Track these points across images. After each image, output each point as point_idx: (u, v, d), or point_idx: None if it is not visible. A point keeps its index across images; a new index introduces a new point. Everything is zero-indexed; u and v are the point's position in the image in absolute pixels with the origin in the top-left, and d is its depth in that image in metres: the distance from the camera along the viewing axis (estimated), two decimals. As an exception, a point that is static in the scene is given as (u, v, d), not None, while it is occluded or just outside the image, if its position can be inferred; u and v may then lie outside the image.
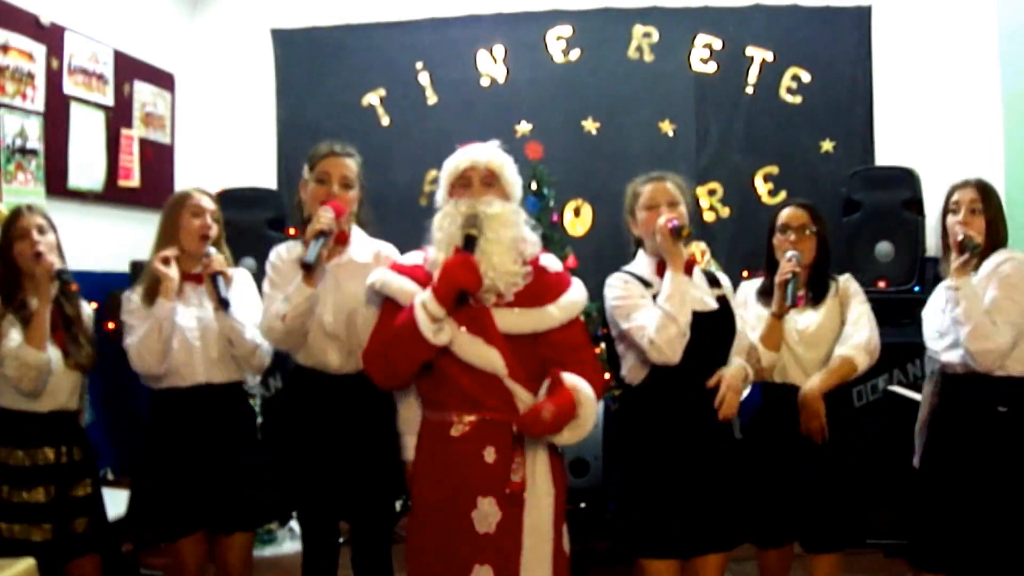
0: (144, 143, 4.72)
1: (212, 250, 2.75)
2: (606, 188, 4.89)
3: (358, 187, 2.65)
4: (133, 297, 2.77)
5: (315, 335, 2.57)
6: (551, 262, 2.41)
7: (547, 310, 2.30)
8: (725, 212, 4.95)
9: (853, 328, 2.72)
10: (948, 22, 4.77)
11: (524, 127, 5.01)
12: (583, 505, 3.56)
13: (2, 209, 3.55)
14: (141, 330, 2.66)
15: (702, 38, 4.96)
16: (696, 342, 2.41)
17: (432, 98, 5.13)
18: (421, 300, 2.19)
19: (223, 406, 2.76)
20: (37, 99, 3.91)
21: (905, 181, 4.46)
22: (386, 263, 2.58)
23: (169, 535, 2.74)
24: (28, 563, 2.54)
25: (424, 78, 5.13)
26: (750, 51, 4.94)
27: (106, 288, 3.56)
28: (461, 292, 2.17)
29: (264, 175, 5.16)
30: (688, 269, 2.48)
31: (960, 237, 2.69)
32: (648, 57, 5.01)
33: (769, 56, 4.93)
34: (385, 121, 5.16)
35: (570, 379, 2.22)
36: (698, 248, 4.85)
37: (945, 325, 2.71)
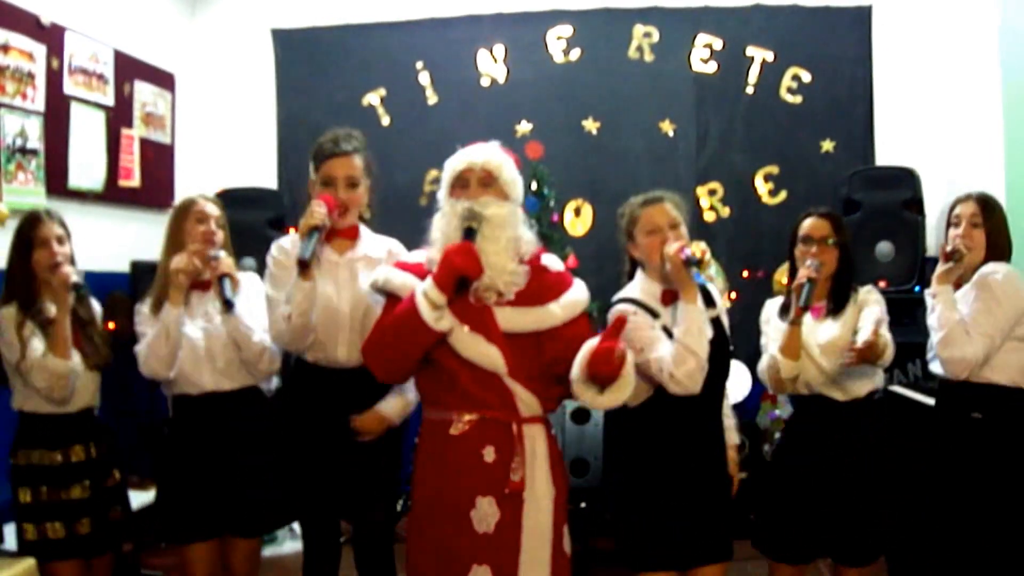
0: (144, 143, 4.72)
1: (221, 253, 2.76)
2: (606, 188, 4.90)
3: (365, 181, 2.64)
4: (143, 309, 2.80)
5: (326, 328, 2.56)
6: (552, 262, 2.42)
7: (548, 308, 2.30)
8: (725, 212, 4.95)
9: (864, 324, 2.63)
10: (948, 22, 4.77)
11: (524, 127, 5.01)
12: (583, 505, 3.56)
13: (2, 209, 3.56)
14: (149, 335, 2.70)
15: (702, 38, 4.96)
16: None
17: (432, 98, 5.13)
18: (422, 288, 2.20)
19: (235, 412, 2.76)
20: (37, 99, 3.90)
21: (905, 181, 4.47)
22: (397, 260, 2.61)
23: (182, 537, 2.76)
24: (28, 563, 2.56)
25: (424, 78, 5.13)
26: (750, 51, 4.94)
27: (106, 288, 3.56)
28: (461, 279, 2.17)
29: (264, 175, 5.16)
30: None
31: (949, 248, 2.72)
32: (648, 57, 5.01)
33: (769, 56, 4.93)
34: (385, 121, 5.16)
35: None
36: (698, 247, 4.84)
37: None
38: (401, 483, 2.71)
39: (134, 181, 4.61)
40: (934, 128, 4.81)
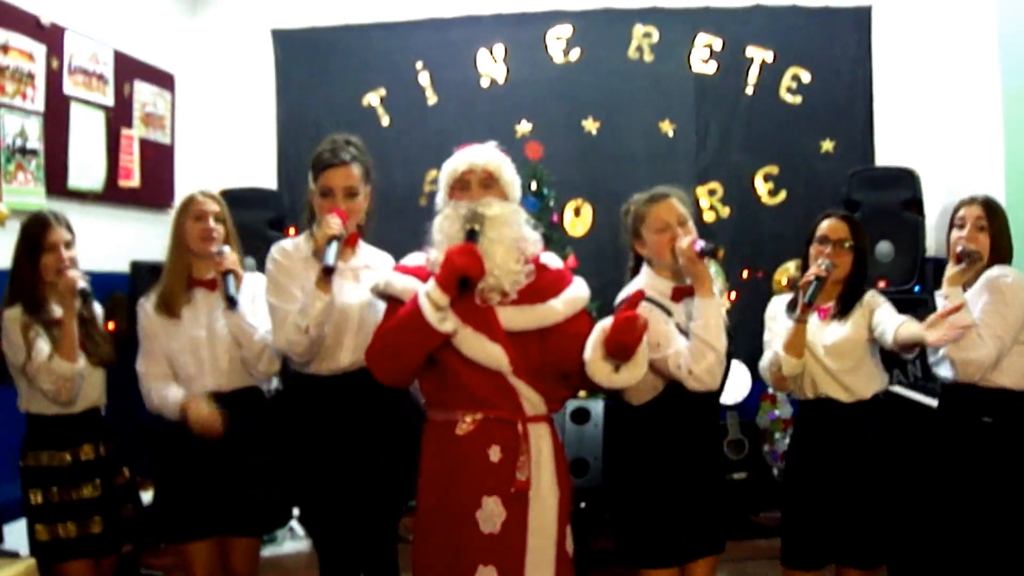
0: (144, 143, 4.72)
1: (225, 248, 2.75)
2: (606, 188, 4.90)
3: (364, 189, 2.63)
4: (147, 307, 2.78)
5: (332, 333, 2.54)
6: (551, 260, 2.42)
7: (550, 305, 2.30)
8: (725, 212, 4.96)
9: (887, 317, 2.61)
10: (948, 22, 4.77)
11: (524, 127, 5.02)
12: (583, 505, 3.56)
13: (2, 209, 3.56)
14: (156, 394, 2.71)
15: (702, 38, 4.97)
16: None
17: (432, 98, 5.13)
18: (425, 290, 2.19)
19: (235, 412, 2.74)
20: (37, 99, 3.90)
21: (905, 181, 4.47)
22: None
23: (181, 536, 2.75)
24: (28, 563, 2.56)
25: (424, 78, 5.13)
26: (750, 51, 4.94)
27: (106, 288, 3.55)
28: (464, 279, 2.17)
29: (264, 175, 5.16)
30: (689, 291, 2.46)
31: (959, 249, 2.70)
32: (648, 57, 5.01)
33: (769, 56, 4.93)
34: (385, 121, 5.16)
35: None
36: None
37: None
38: (404, 484, 2.70)
39: (134, 181, 4.61)
40: (934, 128, 4.81)
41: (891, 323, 2.56)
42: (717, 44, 4.96)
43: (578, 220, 5.02)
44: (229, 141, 5.28)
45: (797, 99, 4.94)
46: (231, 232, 2.83)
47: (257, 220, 4.55)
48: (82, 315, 2.79)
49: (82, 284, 2.71)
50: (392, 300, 2.33)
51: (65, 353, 2.68)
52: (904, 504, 2.66)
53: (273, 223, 4.62)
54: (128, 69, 4.61)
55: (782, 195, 4.95)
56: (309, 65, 5.22)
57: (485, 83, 5.10)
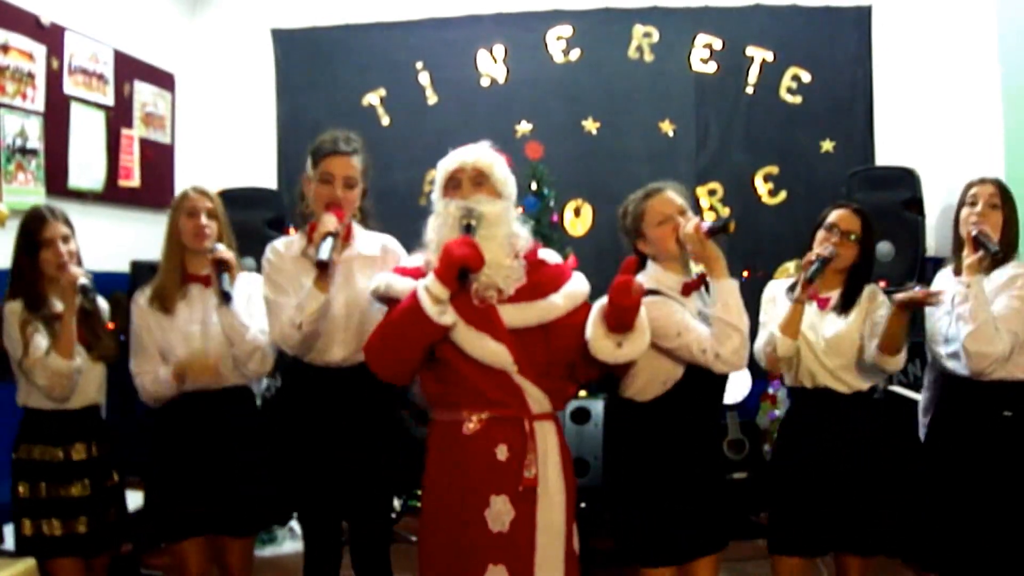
0: (144, 143, 4.72)
1: (219, 245, 2.75)
2: (606, 188, 4.90)
3: (361, 184, 2.64)
4: (140, 302, 2.78)
5: (323, 329, 2.55)
6: (550, 255, 2.43)
7: (551, 300, 2.30)
8: (725, 212, 4.96)
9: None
10: (948, 22, 4.77)
11: (524, 127, 5.02)
12: (583, 505, 3.56)
13: (2, 209, 3.56)
14: (148, 383, 2.71)
15: (702, 38, 4.97)
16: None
17: (432, 98, 5.13)
18: (424, 283, 2.19)
19: (226, 410, 2.76)
20: (37, 99, 3.90)
21: (905, 181, 4.47)
22: (393, 256, 2.62)
23: (173, 536, 2.75)
24: (28, 563, 2.56)
25: (424, 78, 5.13)
26: (750, 51, 4.94)
27: (106, 288, 3.55)
28: (462, 271, 2.17)
29: (264, 175, 5.17)
30: (697, 285, 2.48)
31: (975, 232, 2.64)
32: (648, 57, 5.01)
33: (769, 56, 4.93)
34: (385, 121, 5.16)
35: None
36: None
37: (952, 331, 2.68)
38: (400, 484, 2.71)
39: (134, 181, 4.61)
40: (934, 128, 4.81)
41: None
42: (717, 44, 4.96)
43: (578, 220, 5.02)
44: (229, 141, 5.28)
45: (797, 99, 4.94)
46: (225, 228, 2.83)
47: (257, 220, 4.54)
48: (85, 310, 2.79)
49: (83, 280, 2.71)
50: (392, 303, 2.33)
51: (62, 349, 2.68)
52: (903, 493, 2.65)
53: (273, 223, 4.61)
54: (128, 69, 4.61)
55: (782, 195, 4.95)
56: (309, 65, 5.22)
57: (485, 83, 5.10)
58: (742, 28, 4.94)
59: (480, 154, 2.34)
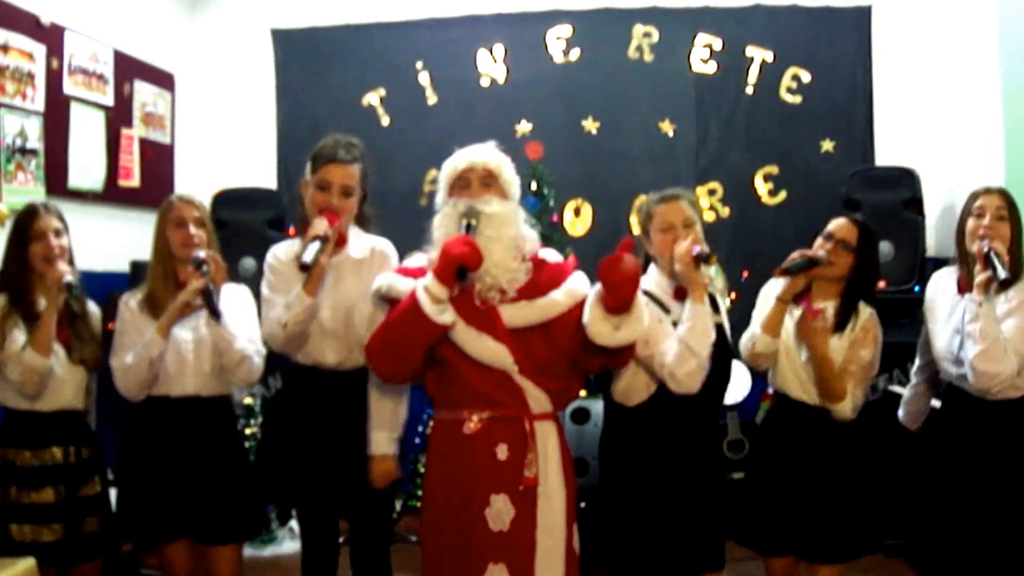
0: (144, 143, 4.72)
1: (201, 254, 2.69)
2: (606, 188, 4.90)
3: (359, 192, 2.63)
4: (131, 303, 2.76)
5: (313, 333, 2.57)
6: (550, 255, 2.43)
7: (552, 297, 2.30)
8: (725, 212, 4.96)
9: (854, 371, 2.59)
10: (948, 22, 4.77)
11: (524, 127, 5.02)
12: (583, 505, 3.56)
13: (2, 209, 3.56)
14: (130, 358, 2.65)
15: (702, 38, 4.97)
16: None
17: (432, 98, 5.13)
18: (423, 283, 2.20)
19: (210, 419, 2.75)
20: (37, 99, 3.91)
21: (905, 181, 4.46)
22: (382, 257, 2.62)
23: (154, 541, 2.75)
24: (28, 563, 2.54)
25: (424, 78, 5.13)
26: (750, 51, 4.94)
27: (106, 288, 3.55)
28: (461, 269, 2.17)
29: (264, 175, 5.17)
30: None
31: (986, 250, 2.58)
32: (648, 57, 5.01)
33: (769, 56, 4.93)
34: (385, 121, 5.16)
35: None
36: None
37: (963, 353, 2.63)
38: (400, 484, 2.71)
39: (134, 181, 4.61)
40: (934, 128, 4.81)
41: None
42: (717, 44, 4.96)
43: (578, 220, 5.02)
44: (229, 141, 5.28)
45: (797, 99, 4.94)
46: (211, 234, 2.80)
47: (257, 220, 4.55)
48: (72, 311, 2.77)
49: (68, 278, 2.68)
50: (395, 303, 2.33)
51: (38, 345, 2.64)
52: (874, 504, 2.65)
53: (273, 223, 4.61)
54: (128, 69, 4.61)
55: (782, 195, 4.95)
56: (309, 65, 5.22)
57: (485, 83, 5.10)
58: (742, 28, 4.94)
59: (490, 155, 2.35)
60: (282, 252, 2.66)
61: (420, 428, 4.29)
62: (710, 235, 4.83)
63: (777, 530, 2.62)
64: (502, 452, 2.24)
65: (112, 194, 4.44)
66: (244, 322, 2.75)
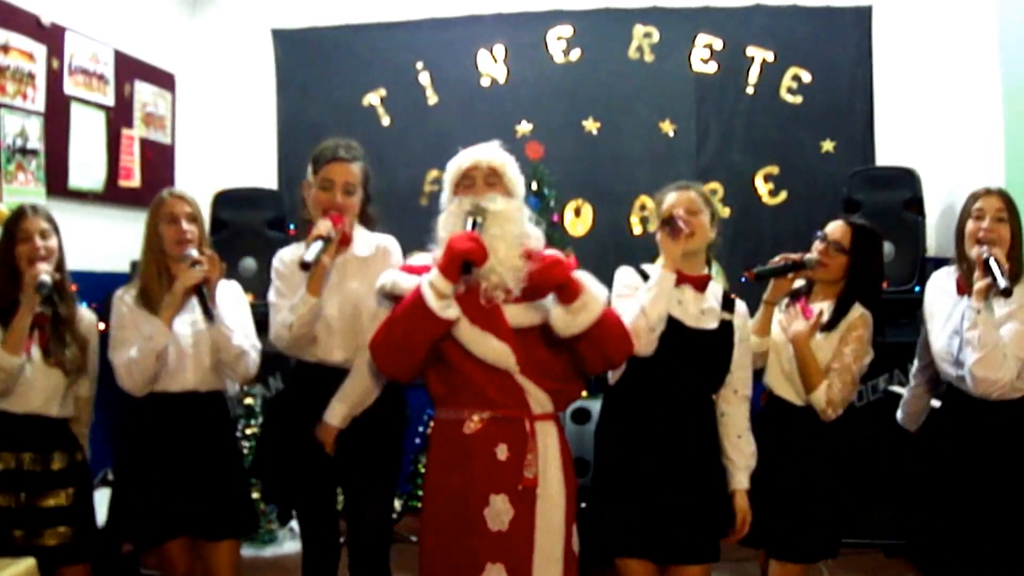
0: (144, 143, 4.72)
1: (192, 252, 2.68)
2: (606, 188, 4.90)
3: (360, 191, 2.64)
4: (126, 298, 2.75)
5: (320, 331, 2.57)
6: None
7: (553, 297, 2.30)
8: (725, 212, 4.95)
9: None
10: (948, 22, 4.77)
11: (524, 127, 5.02)
12: (583, 505, 3.56)
13: (2, 209, 3.56)
14: (134, 351, 2.63)
15: (702, 38, 4.97)
16: (679, 354, 2.42)
17: (432, 98, 5.14)
18: (427, 279, 2.20)
19: (206, 414, 2.75)
20: (37, 99, 3.91)
21: (905, 181, 4.46)
22: (386, 255, 2.62)
23: (154, 539, 2.74)
24: (28, 563, 2.54)
25: (424, 78, 5.13)
26: (750, 51, 4.95)
27: (106, 288, 3.55)
28: (466, 264, 2.17)
29: (264, 175, 5.17)
30: (700, 285, 2.51)
31: (986, 256, 2.58)
32: (648, 57, 5.01)
33: (769, 56, 4.93)
34: (385, 121, 5.16)
35: (579, 272, 2.29)
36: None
37: (962, 355, 2.63)
38: (399, 484, 2.71)
39: (134, 181, 4.61)
40: (934, 128, 4.81)
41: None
42: (717, 44, 4.96)
43: (578, 220, 5.02)
44: (229, 141, 5.29)
45: (797, 99, 4.94)
46: (204, 230, 2.80)
47: (257, 220, 4.55)
48: (57, 313, 2.75)
49: (43, 277, 2.63)
50: (400, 300, 2.32)
51: (8, 344, 2.62)
52: (842, 508, 2.65)
53: (273, 223, 4.61)
54: (128, 69, 4.61)
55: (782, 195, 4.95)
56: (309, 65, 5.23)
57: (485, 83, 5.10)
58: (742, 28, 4.94)
59: (494, 154, 2.37)
60: (288, 256, 2.66)
61: (420, 428, 4.30)
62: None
63: (754, 526, 2.60)
64: (502, 452, 2.24)
65: (112, 194, 4.44)
66: (239, 317, 2.76)
